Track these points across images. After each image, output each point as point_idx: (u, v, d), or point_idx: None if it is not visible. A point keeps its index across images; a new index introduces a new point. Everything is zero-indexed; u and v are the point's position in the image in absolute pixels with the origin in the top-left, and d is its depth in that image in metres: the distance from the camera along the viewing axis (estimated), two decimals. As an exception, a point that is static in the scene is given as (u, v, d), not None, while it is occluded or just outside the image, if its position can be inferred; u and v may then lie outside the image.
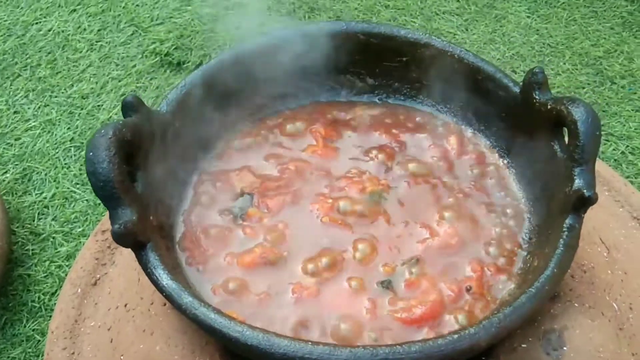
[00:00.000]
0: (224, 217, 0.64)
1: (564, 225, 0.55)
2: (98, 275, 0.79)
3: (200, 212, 0.64)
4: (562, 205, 0.56)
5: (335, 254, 0.61)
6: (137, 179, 0.57)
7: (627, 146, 1.31)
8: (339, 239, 0.62)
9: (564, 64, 1.49)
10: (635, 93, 1.42)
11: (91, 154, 0.52)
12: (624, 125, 1.35)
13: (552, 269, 0.52)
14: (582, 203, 0.54)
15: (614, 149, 1.31)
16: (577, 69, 1.48)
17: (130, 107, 0.58)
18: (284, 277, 0.59)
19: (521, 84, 0.64)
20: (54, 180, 1.25)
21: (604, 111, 1.38)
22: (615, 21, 1.59)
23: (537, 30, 1.56)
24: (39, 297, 1.08)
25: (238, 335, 0.48)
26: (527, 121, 0.63)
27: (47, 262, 1.12)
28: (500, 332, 0.48)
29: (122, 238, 0.51)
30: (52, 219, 1.19)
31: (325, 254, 0.61)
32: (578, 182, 0.55)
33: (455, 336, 0.48)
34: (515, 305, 0.49)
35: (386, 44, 0.71)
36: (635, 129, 1.34)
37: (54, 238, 1.15)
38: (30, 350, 1.02)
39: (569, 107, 0.56)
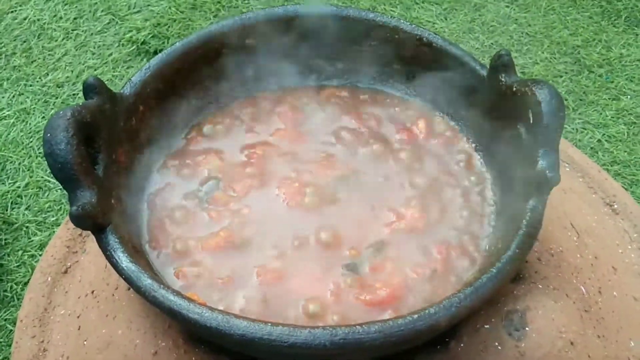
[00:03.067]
0: (189, 201, 0.63)
1: (527, 206, 0.55)
2: (69, 264, 0.78)
3: (165, 196, 0.63)
4: (525, 187, 0.56)
5: (301, 237, 0.60)
6: (99, 162, 0.56)
7: (604, 134, 1.32)
8: (305, 223, 0.62)
9: (542, 52, 1.49)
10: (612, 82, 1.42)
11: (49, 135, 0.52)
12: (601, 114, 1.36)
13: (513, 249, 0.52)
14: (545, 184, 0.54)
15: (590, 137, 1.32)
16: (555, 58, 1.48)
17: (92, 89, 0.57)
18: (249, 260, 0.59)
19: (488, 67, 0.63)
20: (28, 170, 1.23)
21: (581, 100, 1.39)
22: (594, 10, 1.59)
23: (516, 19, 1.57)
24: (11, 287, 1.07)
25: (197, 317, 0.47)
26: (494, 104, 0.63)
27: (20, 252, 1.11)
28: (460, 312, 0.48)
29: (80, 220, 0.51)
30: (26, 208, 1.18)
31: (291, 238, 0.60)
32: (541, 163, 0.55)
33: (415, 316, 0.47)
34: (476, 286, 0.49)
35: (355, 28, 0.70)
36: (611, 117, 1.35)
37: (27, 227, 1.14)
38: (2, 340, 1.01)
39: (533, 89, 0.56)
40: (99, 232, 0.53)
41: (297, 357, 0.50)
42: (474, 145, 0.68)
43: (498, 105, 0.62)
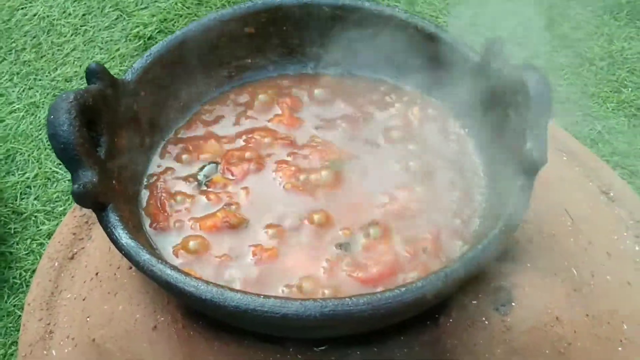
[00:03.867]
0: (188, 184, 0.65)
1: (515, 186, 0.56)
2: (75, 250, 0.80)
3: (165, 178, 0.65)
4: (514, 169, 0.58)
5: (296, 218, 0.62)
6: (101, 144, 0.58)
7: (604, 126, 1.33)
8: (301, 205, 0.63)
9: (544, 46, 1.50)
10: (613, 74, 1.43)
11: (52, 117, 0.54)
12: (601, 106, 1.36)
13: (500, 227, 0.53)
14: (532, 165, 0.56)
15: (590, 129, 1.32)
16: (557, 52, 1.49)
17: (94, 74, 0.59)
18: (245, 240, 0.61)
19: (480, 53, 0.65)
20: (37, 161, 1.26)
21: (582, 92, 1.40)
22: (596, 4, 1.60)
23: (519, 13, 1.57)
24: (20, 274, 1.09)
25: (193, 289, 0.49)
26: (486, 89, 0.65)
27: (29, 240, 1.14)
28: (446, 285, 0.50)
29: (81, 198, 0.53)
30: (35, 199, 1.20)
31: (287, 219, 0.62)
32: (529, 145, 0.56)
33: (403, 289, 0.49)
34: (463, 260, 0.51)
35: (350, 17, 0.72)
36: (612, 109, 1.36)
37: (35, 217, 1.17)
38: (11, 325, 1.04)
39: (522, 73, 0.58)
40: (100, 210, 0.55)
41: (289, 329, 0.52)
42: (466, 130, 0.70)
43: (490, 91, 0.64)
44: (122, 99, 0.62)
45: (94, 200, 0.54)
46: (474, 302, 0.55)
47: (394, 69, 0.74)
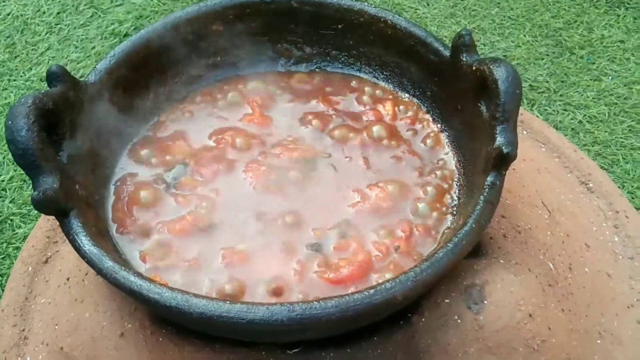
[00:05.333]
0: (156, 186, 0.64)
1: (485, 182, 0.55)
2: (49, 253, 0.79)
3: (132, 181, 0.64)
4: (484, 164, 0.57)
5: (267, 219, 0.61)
6: (63, 148, 0.57)
7: (585, 115, 1.33)
8: (271, 205, 0.62)
9: (525, 35, 1.50)
10: (593, 63, 1.43)
11: (10, 122, 0.52)
12: (582, 95, 1.36)
13: (470, 224, 0.52)
14: (502, 160, 0.55)
15: (571, 118, 1.32)
16: (537, 41, 1.48)
17: (55, 77, 0.58)
18: (215, 243, 0.60)
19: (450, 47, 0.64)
20: (12, 163, 1.24)
21: (562, 81, 1.39)
22: (576, -8, 1.60)
23: (498, 3, 1.57)
24: (-5, 279, 1.08)
25: (157, 297, 0.48)
26: (457, 84, 0.64)
27: (5, 244, 1.12)
28: (416, 286, 0.49)
29: (42, 205, 0.51)
30: (10, 201, 1.18)
31: (257, 220, 0.61)
32: (499, 140, 0.55)
33: (372, 291, 0.48)
34: (432, 260, 0.50)
35: (320, 12, 0.71)
36: (592, 98, 1.35)
37: (11, 220, 1.15)
38: (-13, 331, 1.02)
39: (491, 67, 0.57)
40: (63, 216, 0.53)
41: (258, 334, 0.51)
42: (439, 125, 0.69)
43: (461, 85, 0.63)
44: (86, 102, 0.60)
45: (56, 207, 0.52)
46: (447, 300, 0.54)
47: (367, 64, 0.73)
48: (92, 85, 0.62)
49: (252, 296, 0.56)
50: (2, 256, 1.10)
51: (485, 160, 0.57)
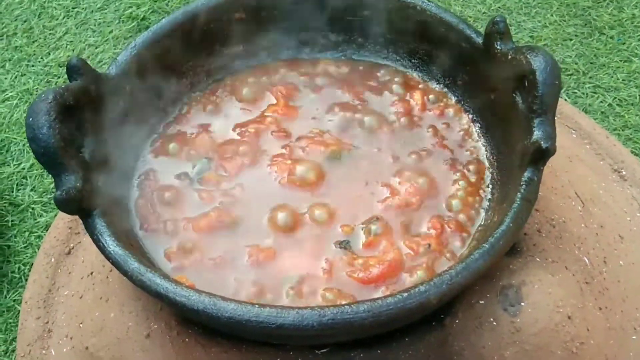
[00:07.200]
0: (180, 181, 0.62)
1: (522, 178, 0.53)
2: (72, 245, 0.78)
3: (155, 177, 0.62)
4: (521, 159, 0.54)
5: (293, 216, 0.59)
6: (85, 145, 0.55)
7: (615, 98, 1.28)
8: (297, 201, 0.61)
9: (552, 15, 1.45)
10: (624, 43, 1.38)
11: (30, 119, 0.51)
12: (612, 77, 1.32)
13: (507, 224, 0.50)
14: (540, 155, 0.52)
15: (601, 101, 1.28)
16: (564, 20, 1.44)
17: (75, 70, 0.56)
18: (241, 240, 0.58)
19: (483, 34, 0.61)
20: (32, 151, 1.23)
21: (591, 63, 1.35)
22: (606, -31, 1.54)
23: (524, -19, 1.52)
24: (19, 268, 1.08)
25: (184, 300, 0.47)
26: (490, 73, 0.61)
27: (27, 233, 1.12)
28: (451, 289, 0.47)
29: (65, 205, 0.50)
30: (31, 190, 1.18)
31: (283, 217, 0.59)
32: (537, 134, 0.53)
33: (405, 294, 0.46)
34: (468, 262, 0.48)
35: (347, -3, 0.68)
36: (622, 80, 1.31)
37: (32, 209, 1.15)
38: (11, 320, 1.03)
39: (528, 56, 0.54)
40: (86, 216, 0.52)
41: (287, 338, 0.50)
42: (470, 116, 0.67)
43: (494, 75, 0.60)
44: (108, 95, 0.59)
45: (79, 207, 0.51)
46: (481, 301, 0.52)
47: (395, 52, 0.70)
48: (113, 78, 0.60)
49: (279, 296, 0.55)
50: (25, 245, 1.10)
51: (522, 155, 0.54)
